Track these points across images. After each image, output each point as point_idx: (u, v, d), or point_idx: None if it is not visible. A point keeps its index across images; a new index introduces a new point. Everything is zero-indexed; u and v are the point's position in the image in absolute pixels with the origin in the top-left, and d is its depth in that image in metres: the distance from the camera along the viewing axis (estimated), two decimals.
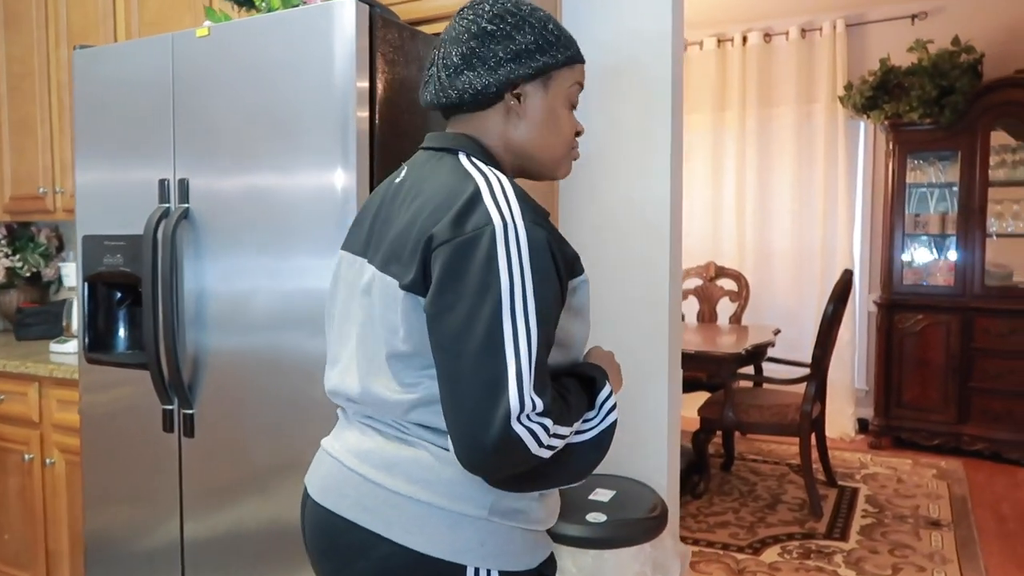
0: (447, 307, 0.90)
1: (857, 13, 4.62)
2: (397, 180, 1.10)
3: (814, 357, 3.41)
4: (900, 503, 3.49)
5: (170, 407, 1.77)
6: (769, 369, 4.06)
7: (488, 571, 0.97)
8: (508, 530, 0.99)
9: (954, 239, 4.22)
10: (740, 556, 2.92)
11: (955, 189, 4.21)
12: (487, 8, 1.05)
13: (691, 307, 4.60)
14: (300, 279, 1.58)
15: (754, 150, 4.91)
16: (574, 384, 1.00)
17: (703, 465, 3.61)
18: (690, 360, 3.37)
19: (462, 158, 1.03)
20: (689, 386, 3.96)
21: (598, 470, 1.87)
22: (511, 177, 1.07)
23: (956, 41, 4.13)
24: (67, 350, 2.44)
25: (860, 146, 4.76)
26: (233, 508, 1.69)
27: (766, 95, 4.87)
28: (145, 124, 1.78)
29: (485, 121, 1.06)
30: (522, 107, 1.06)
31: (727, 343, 3.66)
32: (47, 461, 2.31)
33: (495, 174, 0.99)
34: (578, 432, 0.98)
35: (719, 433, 4.00)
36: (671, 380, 2.14)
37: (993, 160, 4.13)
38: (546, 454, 0.91)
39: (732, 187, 4.98)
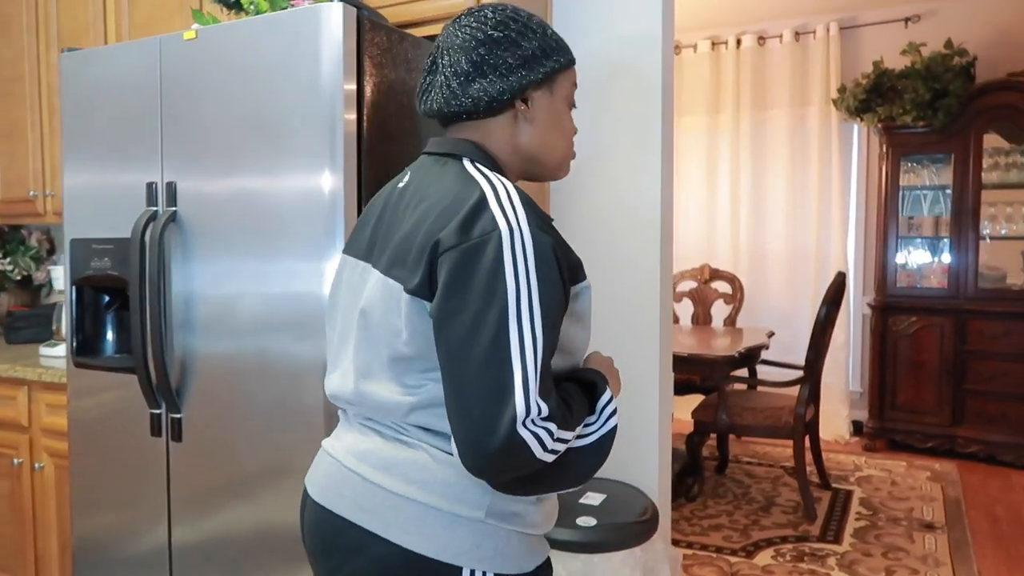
0: (454, 312, 0.91)
1: (850, 16, 4.63)
2: (400, 185, 1.10)
3: (807, 360, 3.41)
4: (894, 505, 3.49)
5: (158, 411, 1.76)
6: (763, 371, 4.06)
7: (484, 573, 0.98)
8: (504, 533, 0.99)
9: (948, 241, 4.23)
10: (733, 559, 2.91)
11: (948, 192, 4.21)
12: (490, 15, 1.06)
13: (686, 309, 4.61)
14: (288, 282, 1.58)
15: (748, 153, 4.91)
16: (575, 389, 1.00)
17: (697, 468, 3.61)
18: (683, 363, 3.37)
19: (466, 163, 1.04)
20: (683, 389, 3.96)
21: None
22: (515, 181, 1.08)
23: (949, 44, 4.15)
24: (57, 354, 2.43)
25: (854, 149, 4.77)
26: (221, 512, 1.69)
27: (760, 98, 4.88)
28: (133, 127, 1.77)
29: (492, 127, 1.07)
30: (530, 112, 1.07)
31: (721, 346, 3.66)
32: (36, 465, 2.30)
33: (500, 180, 0.99)
34: (580, 437, 0.99)
35: (714, 436, 4.00)
36: (662, 383, 2.14)
37: (986, 163, 4.13)
38: (549, 458, 0.92)
39: (726, 189, 4.98)
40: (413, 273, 0.95)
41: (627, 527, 1.81)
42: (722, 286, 4.53)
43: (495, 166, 1.06)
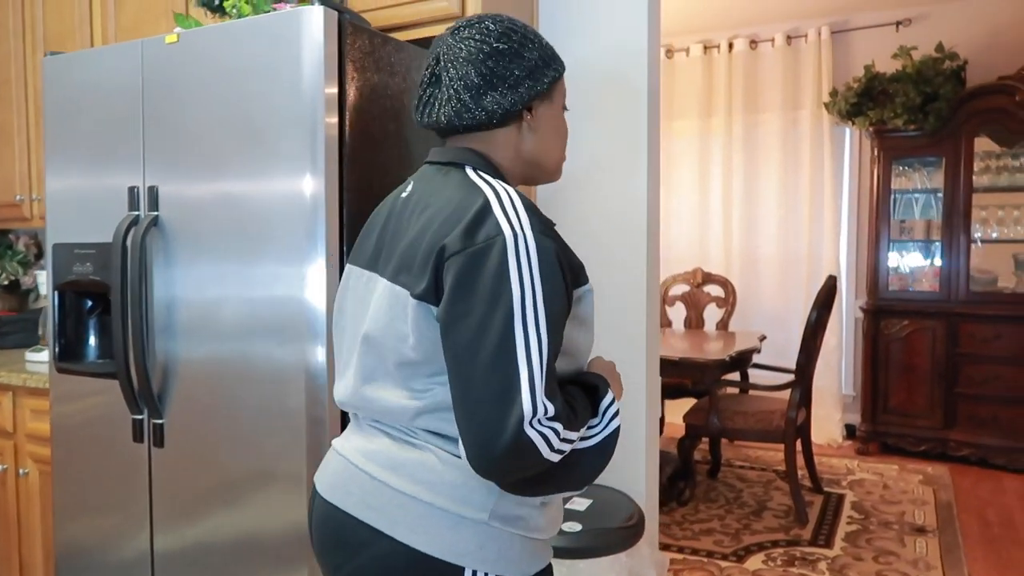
0: (460, 316, 0.92)
1: (842, 20, 4.64)
2: (404, 194, 1.12)
3: (798, 363, 3.41)
4: (886, 509, 3.48)
5: (140, 417, 1.75)
6: (755, 375, 4.05)
7: (486, 574, 0.99)
8: (508, 536, 1.01)
9: (939, 245, 4.23)
10: (724, 563, 2.90)
11: (940, 195, 4.22)
12: (491, 27, 1.07)
13: (679, 313, 4.60)
14: (270, 287, 1.57)
15: (740, 156, 4.91)
16: (578, 392, 1.02)
17: (689, 472, 3.60)
18: (674, 367, 3.36)
19: (469, 171, 1.06)
20: (675, 392, 3.96)
21: None
22: (515, 187, 1.09)
23: (940, 48, 4.15)
24: (42, 359, 2.42)
25: (846, 152, 4.78)
26: (203, 519, 1.67)
27: (752, 101, 4.88)
28: (115, 131, 1.77)
29: (497, 136, 1.09)
30: (534, 120, 1.10)
31: (713, 349, 3.65)
32: (20, 471, 2.28)
33: (503, 186, 1.01)
34: (584, 439, 1.01)
35: (706, 440, 3.99)
36: (649, 387, 2.13)
37: (977, 166, 4.14)
38: (556, 458, 0.93)
39: (719, 193, 4.98)
40: (419, 279, 0.97)
41: (612, 532, 1.80)
42: (715, 290, 4.53)
43: (497, 173, 1.08)
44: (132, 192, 1.74)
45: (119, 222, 1.71)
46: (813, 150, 4.69)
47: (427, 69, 1.10)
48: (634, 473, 2.10)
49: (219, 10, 1.78)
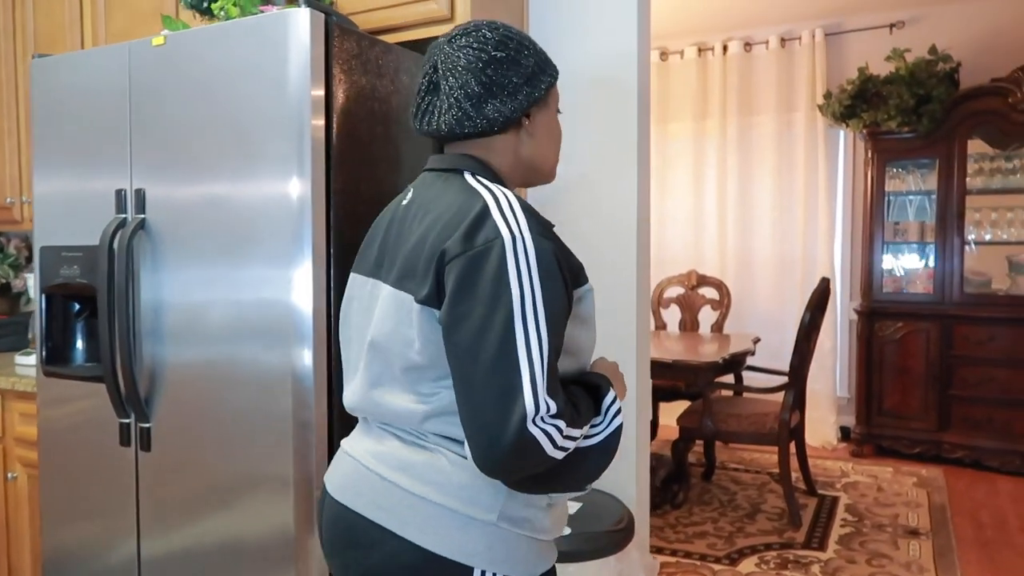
0: (461, 317, 0.94)
1: (836, 22, 4.64)
2: (404, 202, 1.14)
3: (792, 366, 3.41)
4: (879, 512, 3.48)
5: (127, 421, 1.74)
6: (749, 377, 4.05)
7: (494, 574, 1.01)
8: (515, 537, 1.03)
9: (933, 247, 4.23)
10: (717, 567, 2.90)
11: (934, 197, 4.22)
12: (488, 35, 1.08)
13: (673, 316, 4.60)
14: (257, 290, 1.56)
15: (735, 158, 4.91)
16: (581, 391, 1.04)
17: (683, 474, 3.59)
18: (668, 369, 3.36)
19: (468, 177, 1.08)
20: (669, 395, 3.95)
21: None
22: (514, 191, 1.11)
23: (933, 50, 4.16)
24: (32, 362, 2.41)
25: (840, 154, 4.78)
26: (190, 523, 1.66)
27: (746, 103, 4.88)
28: (102, 134, 1.76)
29: (496, 142, 1.11)
30: (532, 125, 1.13)
31: (707, 352, 3.65)
32: (9, 475, 2.27)
33: (501, 190, 1.04)
34: (587, 437, 1.02)
35: (701, 442, 3.98)
36: (640, 390, 2.13)
37: (971, 168, 4.14)
38: (559, 455, 0.95)
39: (713, 195, 4.98)
40: (422, 283, 0.99)
41: (602, 536, 1.79)
42: (709, 292, 4.52)
43: (496, 178, 1.10)
44: (119, 195, 1.73)
45: (106, 225, 1.70)
46: (807, 152, 4.69)
47: (424, 77, 1.12)
48: (624, 476, 2.10)
49: (207, 12, 1.78)
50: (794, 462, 3.62)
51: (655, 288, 4.60)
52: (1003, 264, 4.21)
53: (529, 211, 1.01)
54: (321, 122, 1.53)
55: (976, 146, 4.15)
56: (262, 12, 1.64)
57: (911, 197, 4.40)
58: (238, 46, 1.56)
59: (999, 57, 4.20)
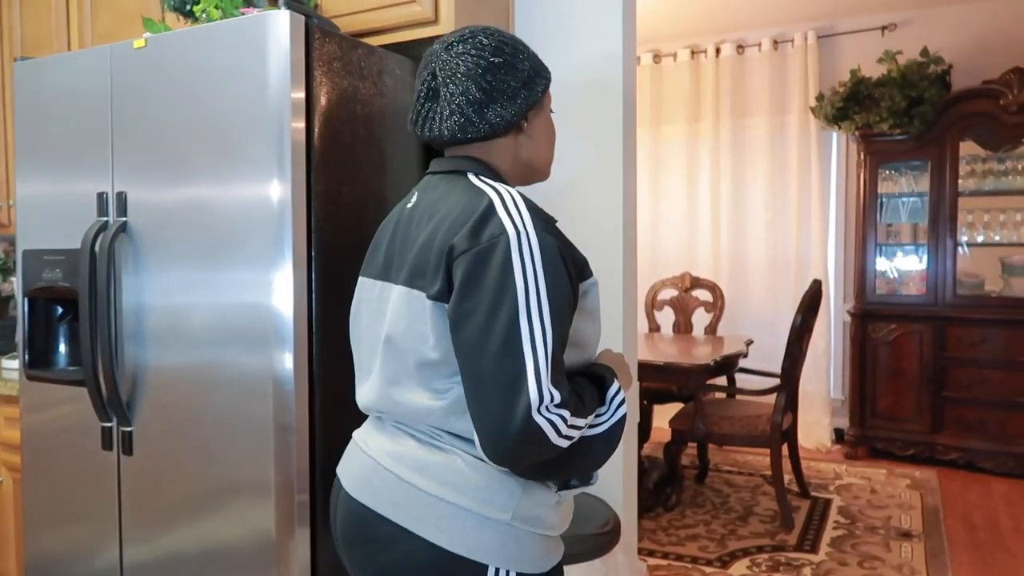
0: (469, 311, 0.98)
1: (828, 24, 4.65)
2: (409, 205, 1.17)
3: (783, 368, 3.40)
4: (872, 514, 3.47)
5: (109, 424, 1.73)
6: (742, 380, 4.04)
7: (507, 572, 1.04)
8: (528, 535, 1.06)
9: (926, 248, 4.23)
10: (708, 569, 2.89)
11: (926, 199, 4.22)
12: (485, 41, 1.12)
13: (667, 318, 4.59)
14: (238, 293, 1.56)
15: (728, 161, 4.91)
16: (586, 382, 1.07)
17: (675, 477, 3.59)
18: (659, 371, 3.35)
19: (471, 177, 1.11)
20: (662, 397, 3.94)
21: None
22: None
23: (925, 52, 4.16)
24: (17, 366, 2.40)
25: (832, 156, 4.78)
26: (172, 527, 1.65)
27: (739, 106, 4.88)
28: (84, 136, 1.75)
29: (496, 145, 1.15)
30: (530, 127, 1.17)
31: (700, 354, 3.64)
32: None
33: (505, 188, 1.07)
34: (592, 426, 1.05)
35: (695, 444, 3.97)
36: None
37: (963, 170, 4.14)
38: (564, 443, 0.98)
39: (707, 198, 4.98)
40: (433, 280, 1.02)
41: (587, 539, 1.78)
42: (703, 294, 4.52)
43: (498, 178, 1.14)
44: (101, 198, 1.72)
45: (87, 228, 1.70)
46: (800, 154, 4.69)
47: (423, 84, 1.15)
48: (611, 479, 2.09)
49: (190, 15, 1.78)
50: (787, 464, 3.62)
51: (648, 290, 4.60)
52: (996, 266, 4.20)
53: (533, 208, 1.05)
54: (302, 124, 1.53)
55: (968, 148, 4.15)
56: (243, 14, 1.64)
57: (904, 199, 4.40)
58: (218, 48, 1.55)
59: (990, 59, 4.21)
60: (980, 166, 4.18)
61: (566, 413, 0.97)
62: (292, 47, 1.49)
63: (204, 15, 1.68)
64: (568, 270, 1.02)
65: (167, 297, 1.64)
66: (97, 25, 2.41)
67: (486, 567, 1.03)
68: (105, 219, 1.71)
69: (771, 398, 3.46)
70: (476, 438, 0.98)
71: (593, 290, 1.09)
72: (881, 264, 4.42)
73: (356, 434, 1.21)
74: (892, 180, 4.40)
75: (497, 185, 1.08)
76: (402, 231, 1.14)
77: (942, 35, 4.34)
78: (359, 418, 1.28)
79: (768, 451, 3.42)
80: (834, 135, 4.71)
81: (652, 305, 4.57)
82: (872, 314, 4.30)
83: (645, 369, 3.14)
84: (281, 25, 1.48)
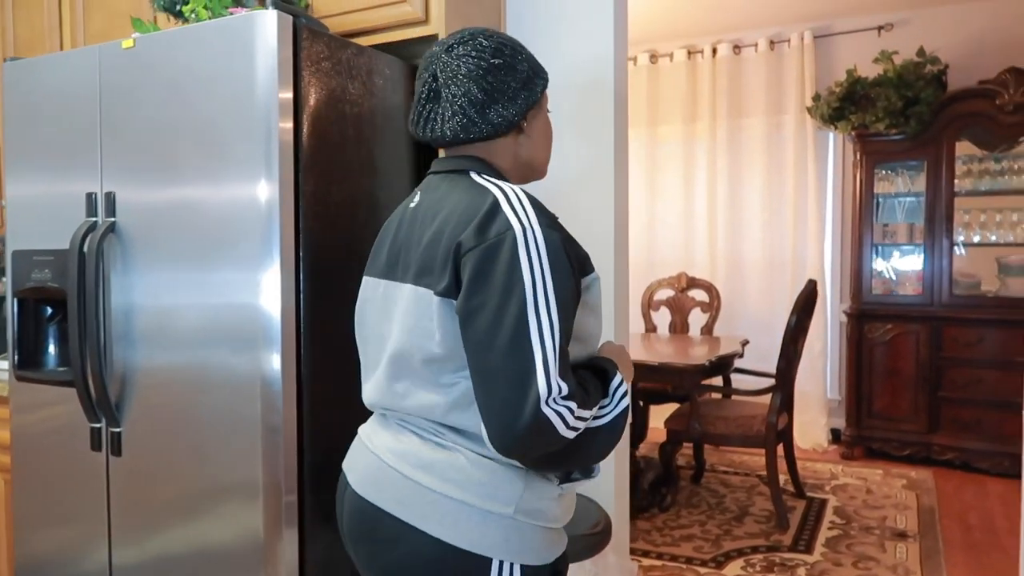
0: (478, 307, 0.99)
1: (824, 25, 4.65)
2: (412, 205, 1.19)
3: (778, 368, 3.40)
4: (868, 514, 3.46)
5: (98, 425, 1.73)
6: (738, 380, 4.04)
7: (511, 564, 1.06)
8: (530, 528, 1.08)
9: (922, 248, 4.23)
10: (703, 570, 2.89)
11: (923, 199, 4.22)
12: (485, 43, 1.14)
13: (663, 318, 4.59)
14: (225, 294, 1.55)
15: (725, 161, 4.91)
16: (590, 375, 1.09)
17: (671, 477, 3.58)
18: (654, 372, 3.35)
19: (474, 176, 1.13)
20: (658, 398, 3.94)
21: None
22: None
23: (921, 52, 4.16)
24: (7, 367, 2.39)
25: (829, 156, 4.78)
26: (160, 529, 1.65)
27: (736, 106, 4.88)
28: (73, 137, 1.75)
29: (497, 144, 1.17)
30: (529, 127, 1.19)
31: (696, 354, 3.64)
32: None
33: (509, 186, 1.09)
34: (596, 417, 1.07)
35: (691, 445, 3.97)
36: None
37: (959, 170, 4.14)
38: (571, 435, 1.00)
39: (703, 198, 4.98)
40: (440, 277, 1.04)
41: (576, 540, 1.77)
42: (699, 294, 4.52)
43: (500, 176, 1.15)
44: (90, 198, 1.72)
45: (76, 228, 1.70)
46: (797, 154, 4.68)
47: (424, 86, 1.16)
48: (603, 479, 2.09)
49: (179, 15, 1.77)
50: (783, 465, 3.62)
51: (645, 291, 4.60)
52: (992, 266, 4.20)
53: (536, 204, 1.07)
54: (289, 125, 1.53)
55: (964, 148, 4.14)
56: (231, 14, 1.64)
57: (900, 199, 4.40)
58: (206, 48, 1.55)
59: (986, 59, 4.21)
60: (976, 166, 4.18)
61: (573, 405, 0.98)
62: (279, 47, 1.49)
63: (193, 15, 1.67)
64: (572, 265, 1.04)
65: (155, 298, 1.64)
66: (90, 26, 2.41)
67: (490, 560, 1.05)
68: (94, 219, 1.71)
69: (766, 398, 3.45)
70: (483, 432, 1.00)
71: (595, 285, 1.10)
72: (877, 264, 4.42)
73: (361, 430, 1.24)
74: (888, 180, 4.39)
75: (500, 183, 1.10)
76: (405, 230, 1.16)
77: (938, 35, 4.34)
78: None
79: (764, 451, 3.42)
80: (830, 135, 4.71)
81: (648, 305, 4.56)
82: (868, 314, 4.30)
83: (641, 369, 3.14)
84: (268, 25, 1.48)
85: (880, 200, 4.39)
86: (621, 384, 1.11)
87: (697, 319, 4.49)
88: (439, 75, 1.14)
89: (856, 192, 4.38)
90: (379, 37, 1.93)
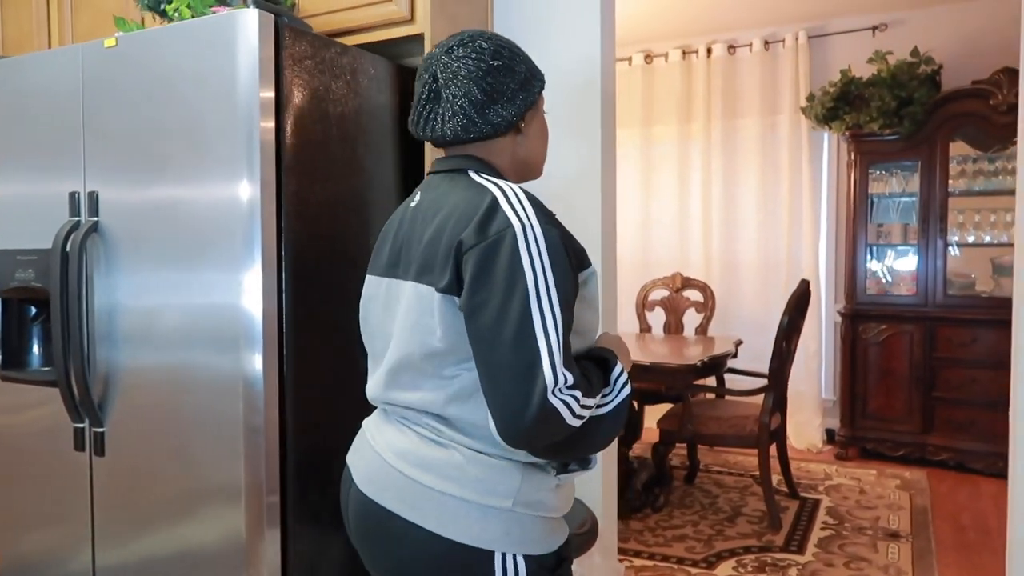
0: (482, 304, 1.02)
1: (819, 25, 4.64)
2: (412, 204, 1.21)
3: (771, 368, 3.39)
4: (861, 515, 3.46)
5: (81, 425, 1.72)
6: (732, 380, 4.03)
7: (514, 555, 1.08)
8: (530, 519, 1.10)
9: (916, 249, 4.22)
10: (694, 570, 2.88)
11: (917, 199, 4.21)
12: (484, 45, 1.16)
13: (658, 318, 4.59)
14: (208, 294, 1.55)
15: (719, 161, 4.90)
16: (591, 365, 1.11)
17: (663, 478, 3.58)
18: (647, 372, 3.34)
19: (472, 175, 1.16)
20: (652, 398, 3.93)
21: None
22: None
23: (915, 52, 4.15)
24: None
25: (823, 156, 4.77)
26: (143, 530, 1.65)
27: (731, 106, 4.87)
28: (56, 136, 1.75)
29: (496, 144, 1.19)
30: (527, 127, 1.22)
31: (689, 354, 3.63)
32: None
33: (508, 184, 1.12)
34: (599, 406, 1.09)
35: (684, 445, 3.97)
36: None
37: (954, 170, 4.13)
38: (577, 423, 1.03)
39: (698, 198, 4.97)
40: (442, 274, 1.06)
41: None
42: (694, 295, 4.51)
43: (498, 175, 1.18)
44: (73, 197, 1.72)
45: (59, 228, 1.69)
46: (791, 154, 4.68)
47: (424, 87, 1.18)
48: (590, 480, 2.08)
49: (163, 14, 1.77)
50: (776, 465, 3.61)
51: (640, 291, 4.59)
52: (987, 266, 4.19)
53: (534, 201, 1.09)
54: (271, 124, 1.52)
55: (958, 148, 4.13)
56: (214, 13, 1.63)
57: (894, 199, 4.39)
58: (188, 47, 1.55)
59: (980, 59, 4.20)
60: (970, 166, 4.17)
61: (578, 394, 1.01)
62: (260, 46, 1.49)
63: (176, 14, 1.67)
64: (571, 260, 1.06)
65: (138, 298, 1.64)
66: (77, 25, 2.40)
67: (492, 553, 1.07)
68: (77, 219, 1.71)
69: (759, 398, 3.45)
70: (488, 423, 1.03)
71: (592, 279, 1.13)
72: (872, 264, 4.41)
73: (365, 423, 1.26)
74: (883, 180, 4.39)
75: (499, 181, 1.12)
76: (406, 229, 1.18)
77: (932, 35, 4.33)
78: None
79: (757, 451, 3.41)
80: (825, 135, 4.70)
81: (643, 305, 4.56)
82: (862, 314, 4.29)
83: (634, 369, 3.10)
84: (250, 24, 1.48)
85: (874, 200, 4.38)
86: (622, 373, 1.13)
87: (692, 319, 4.48)
88: (439, 76, 1.16)
89: (850, 192, 4.37)
90: (365, 36, 1.93)
